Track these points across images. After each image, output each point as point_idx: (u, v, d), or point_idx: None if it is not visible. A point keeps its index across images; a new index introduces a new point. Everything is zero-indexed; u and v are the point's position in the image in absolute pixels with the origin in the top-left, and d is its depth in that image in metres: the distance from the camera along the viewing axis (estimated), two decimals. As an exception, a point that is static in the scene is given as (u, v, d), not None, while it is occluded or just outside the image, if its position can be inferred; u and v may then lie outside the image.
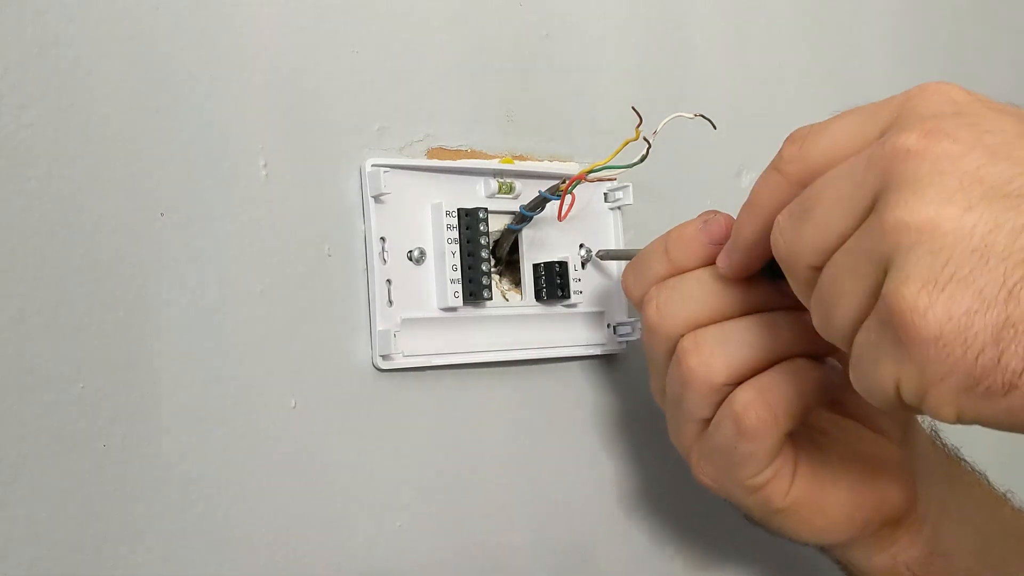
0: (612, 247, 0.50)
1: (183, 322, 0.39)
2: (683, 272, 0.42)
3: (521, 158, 0.48)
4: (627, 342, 0.50)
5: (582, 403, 0.50)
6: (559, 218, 0.45)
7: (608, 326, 0.49)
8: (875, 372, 0.32)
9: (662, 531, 0.51)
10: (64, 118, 0.37)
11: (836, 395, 0.41)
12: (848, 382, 0.34)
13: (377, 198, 0.43)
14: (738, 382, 0.40)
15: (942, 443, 0.48)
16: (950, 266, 0.29)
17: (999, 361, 0.29)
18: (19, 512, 0.35)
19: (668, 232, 0.42)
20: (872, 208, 0.32)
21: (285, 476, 0.41)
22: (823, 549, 0.47)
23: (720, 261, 0.40)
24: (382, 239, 0.44)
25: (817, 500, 0.42)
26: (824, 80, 0.61)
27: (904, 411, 0.32)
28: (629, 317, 0.50)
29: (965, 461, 0.48)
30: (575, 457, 0.49)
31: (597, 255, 0.49)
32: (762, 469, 0.41)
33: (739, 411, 0.39)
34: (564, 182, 0.44)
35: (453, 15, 0.47)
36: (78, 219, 0.37)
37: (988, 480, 0.48)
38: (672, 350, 0.41)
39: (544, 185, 0.46)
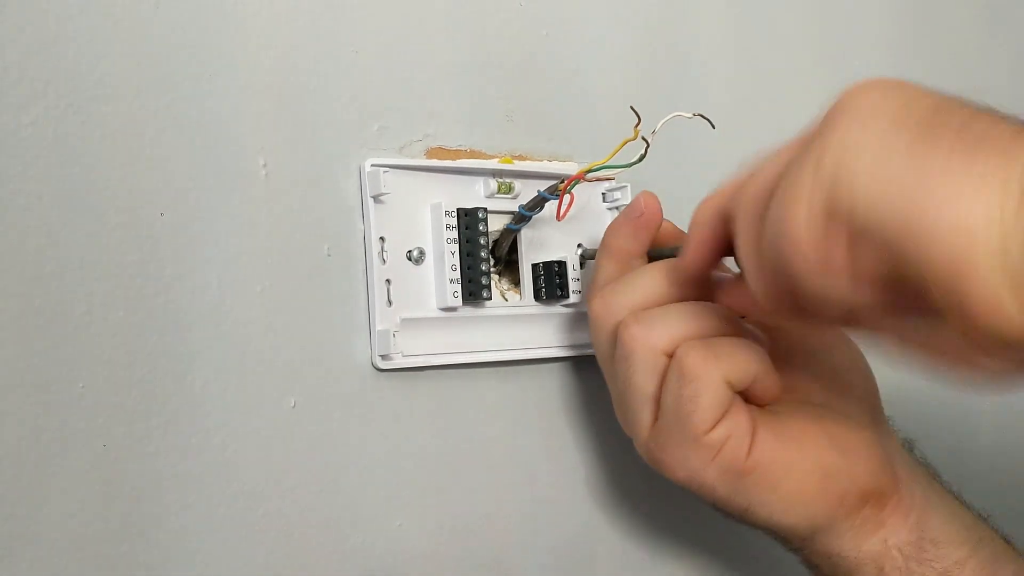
0: None
1: (183, 322, 0.39)
2: (627, 261, 0.44)
3: (520, 158, 0.48)
4: (626, 342, 0.50)
5: (580, 402, 0.50)
6: (558, 218, 0.45)
7: (607, 326, 0.50)
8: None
9: (662, 530, 0.52)
10: (64, 118, 0.37)
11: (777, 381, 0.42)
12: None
13: (376, 198, 0.43)
14: None
15: (920, 454, 0.47)
16: None
17: None
18: (19, 512, 0.35)
19: (606, 229, 0.45)
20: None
21: (285, 476, 0.41)
22: (806, 549, 0.44)
23: (683, 259, 0.41)
24: (381, 239, 0.44)
25: (783, 463, 0.41)
26: (824, 80, 0.61)
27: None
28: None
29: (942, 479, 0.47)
30: (574, 456, 0.49)
31: (584, 255, 0.49)
32: (713, 419, 0.40)
33: (680, 356, 0.40)
34: (563, 182, 0.45)
35: (453, 15, 0.47)
36: (78, 219, 0.37)
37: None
38: (615, 337, 0.42)
39: (543, 185, 0.46)
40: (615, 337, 0.42)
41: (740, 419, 0.41)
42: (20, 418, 0.35)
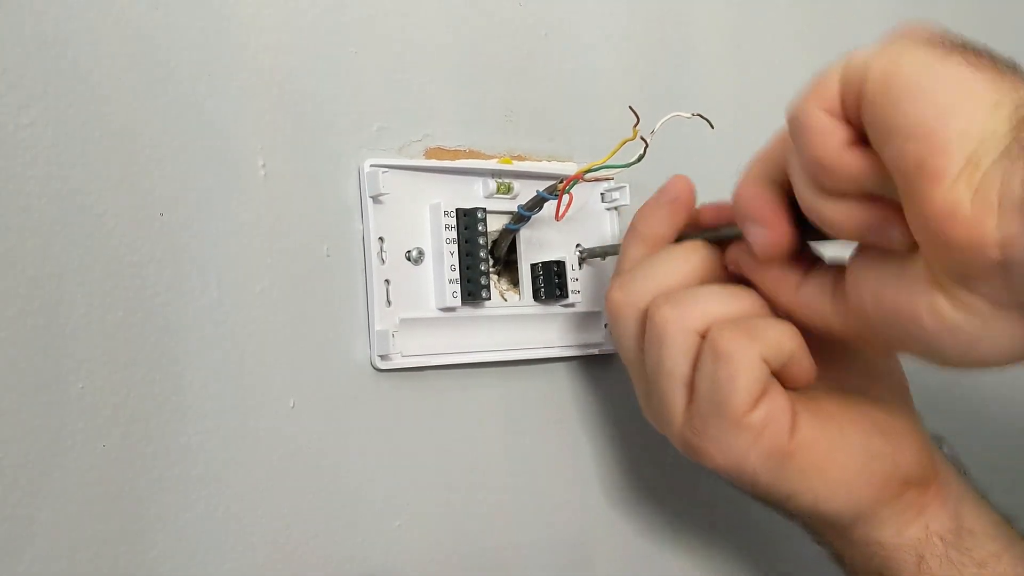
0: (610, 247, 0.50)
1: (183, 322, 0.39)
2: (657, 247, 0.43)
3: (519, 158, 0.48)
4: (625, 342, 0.50)
5: (580, 402, 0.50)
6: (556, 218, 0.45)
7: (605, 326, 0.50)
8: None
9: (660, 529, 0.52)
10: (64, 118, 0.37)
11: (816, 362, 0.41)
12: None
13: (376, 198, 0.43)
14: None
15: (949, 451, 0.46)
16: None
17: None
18: (19, 513, 0.35)
19: (635, 213, 0.44)
20: None
21: (284, 476, 0.41)
22: (843, 539, 0.43)
23: (756, 241, 0.39)
24: (380, 239, 0.44)
25: (826, 445, 0.40)
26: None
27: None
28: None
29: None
30: (573, 456, 0.49)
31: (583, 254, 0.49)
32: (752, 399, 0.39)
33: (714, 336, 0.39)
34: (561, 182, 0.45)
35: (452, 15, 0.47)
36: (78, 219, 0.37)
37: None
38: (642, 323, 0.41)
39: (542, 185, 0.46)
40: (640, 324, 0.41)
41: (779, 399, 0.40)
42: (20, 418, 0.35)
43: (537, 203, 0.45)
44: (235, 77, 0.41)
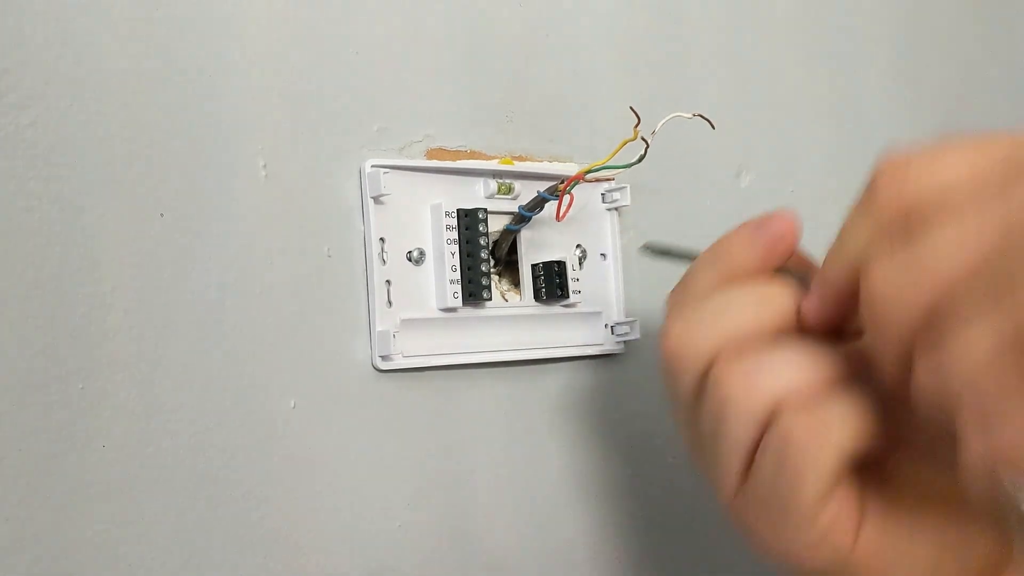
0: (608, 248, 0.50)
1: (183, 323, 0.39)
2: (736, 281, 0.35)
3: (520, 158, 0.48)
4: (625, 342, 0.50)
5: (580, 403, 0.50)
6: (557, 218, 0.45)
7: (606, 326, 0.50)
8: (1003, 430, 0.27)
9: (660, 532, 0.52)
10: (64, 118, 0.37)
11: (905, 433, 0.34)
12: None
13: (377, 199, 0.43)
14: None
15: None
16: None
17: None
18: (19, 513, 0.35)
19: (720, 238, 0.37)
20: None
21: (285, 476, 0.41)
22: None
23: (805, 306, 0.34)
24: (381, 240, 0.44)
25: (892, 553, 0.35)
26: (823, 80, 0.61)
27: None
28: (627, 317, 0.50)
29: None
30: (573, 457, 0.49)
31: (645, 247, 0.42)
32: (821, 499, 0.34)
33: (786, 424, 0.33)
34: (562, 182, 0.45)
35: (453, 16, 0.47)
36: (78, 219, 0.37)
37: None
38: (704, 373, 0.35)
39: (543, 186, 0.46)
40: (701, 374, 0.35)
41: (849, 498, 0.34)
42: (20, 418, 0.35)
43: (538, 204, 0.45)
44: (236, 78, 0.41)
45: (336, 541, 0.42)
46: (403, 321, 0.44)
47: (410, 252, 0.45)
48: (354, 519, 0.43)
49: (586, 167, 0.45)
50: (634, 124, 0.43)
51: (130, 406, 0.38)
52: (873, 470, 0.36)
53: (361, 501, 0.43)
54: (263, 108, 0.42)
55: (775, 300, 0.35)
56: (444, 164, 0.46)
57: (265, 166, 0.42)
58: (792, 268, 0.36)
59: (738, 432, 0.34)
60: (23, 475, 0.35)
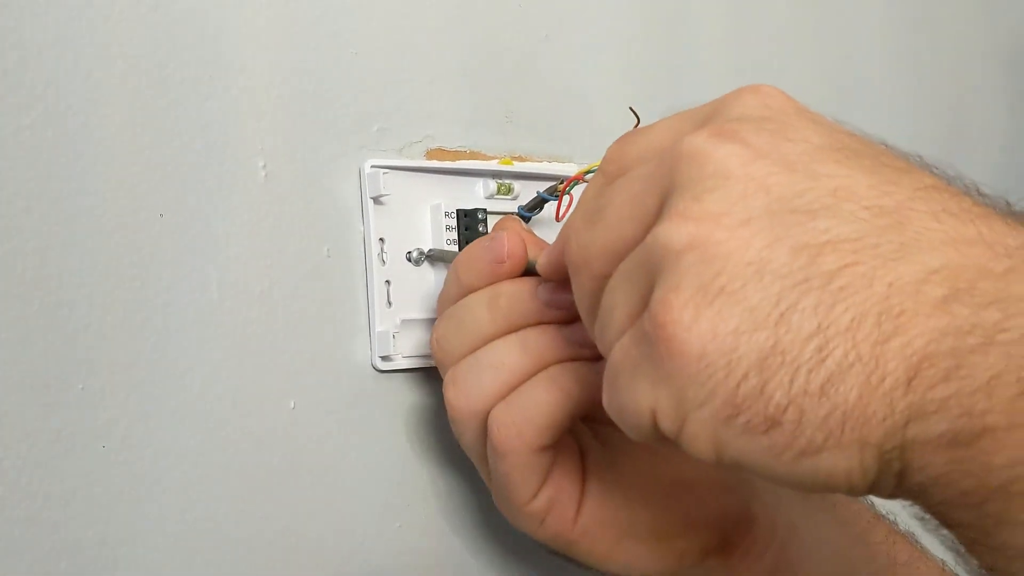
0: None
1: (183, 323, 0.39)
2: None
3: (520, 159, 0.48)
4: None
5: (581, 404, 0.50)
6: (557, 219, 0.45)
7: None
8: (630, 393, 0.28)
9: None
10: (64, 118, 0.37)
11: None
12: None
13: (376, 199, 0.43)
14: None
15: None
16: (721, 278, 0.26)
17: (762, 391, 0.25)
18: (19, 514, 0.35)
19: (461, 253, 0.41)
20: (659, 212, 0.29)
21: (285, 476, 0.41)
22: None
23: (540, 259, 0.38)
24: (381, 240, 0.44)
25: (613, 530, 0.39)
26: (824, 80, 0.61)
27: (660, 443, 0.28)
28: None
29: None
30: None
31: (429, 253, 0.45)
32: (532, 492, 0.38)
33: (490, 427, 0.37)
34: (562, 183, 0.45)
35: (452, 16, 0.47)
36: (78, 219, 0.37)
37: (870, 503, 0.43)
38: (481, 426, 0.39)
39: (543, 186, 0.46)
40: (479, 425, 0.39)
41: (563, 484, 0.38)
42: (20, 418, 0.35)
43: (538, 204, 0.45)
44: (235, 78, 0.41)
45: (336, 542, 0.42)
46: (403, 321, 0.44)
47: (410, 252, 0.45)
48: (354, 519, 0.43)
49: (586, 167, 0.45)
50: (634, 124, 0.43)
51: (130, 407, 0.38)
52: (600, 435, 0.40)
53: (361, 501, 0.43)
54: (262, 108, 0.42)
55: (487, 314, 0.38)
56: (444, 164, 0.46)
57: (265, 166, 0.42)
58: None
59: (469, 440, 0.39)
60: (23, 475, 0.35)
